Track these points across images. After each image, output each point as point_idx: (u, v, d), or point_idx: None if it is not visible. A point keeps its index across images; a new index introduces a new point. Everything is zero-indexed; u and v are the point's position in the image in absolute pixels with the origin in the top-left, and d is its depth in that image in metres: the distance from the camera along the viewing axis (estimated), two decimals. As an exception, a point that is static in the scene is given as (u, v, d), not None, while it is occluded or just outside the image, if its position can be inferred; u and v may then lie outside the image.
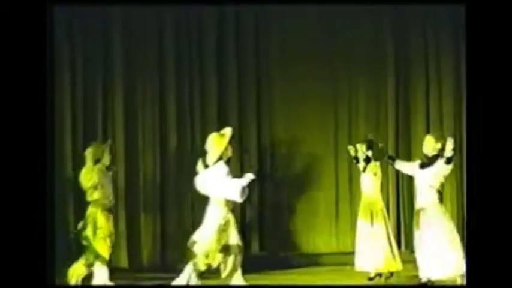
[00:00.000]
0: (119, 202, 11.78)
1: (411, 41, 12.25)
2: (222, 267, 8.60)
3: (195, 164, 11.53)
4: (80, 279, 9.69)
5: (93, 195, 9.68)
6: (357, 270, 10.11)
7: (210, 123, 12.03)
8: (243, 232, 9.94)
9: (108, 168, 9.83)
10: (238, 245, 8.60)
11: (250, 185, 8.60)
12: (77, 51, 11.62)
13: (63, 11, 10.27)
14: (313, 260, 11.98)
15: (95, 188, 9.63)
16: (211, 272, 8.76)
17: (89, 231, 9.68)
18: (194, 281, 8.55)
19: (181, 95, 12.20)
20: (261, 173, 11.64)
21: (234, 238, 8.61)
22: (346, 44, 12.38)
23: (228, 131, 8.70)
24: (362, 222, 10.11)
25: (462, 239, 8.27)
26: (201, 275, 8.56)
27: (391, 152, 11.52)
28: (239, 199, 8.56)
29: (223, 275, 8.68)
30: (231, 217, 8.64)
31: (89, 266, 9.72)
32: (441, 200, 9.04)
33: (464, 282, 8.52)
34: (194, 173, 11.92)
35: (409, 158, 11.21)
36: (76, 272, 9.65)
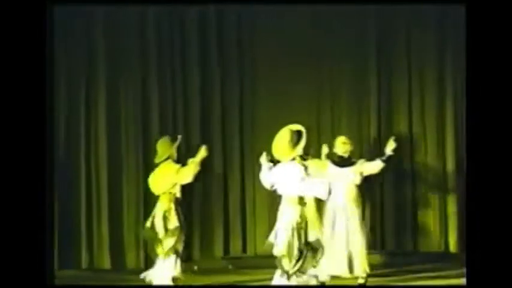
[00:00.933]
0: (102, 203, 11.76)
1: (394, 41, 12.25)
2: (305, 265, 8.51)
3: (178, 163, 11.45)
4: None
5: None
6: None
7: (193, 123, 12.01)
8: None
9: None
10: (318, 242, 8.58)
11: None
12: (60, 50, 11.47)
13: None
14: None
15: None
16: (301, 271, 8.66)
17: (161, 225, 9.75)
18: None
19: (164, 95, 12.06)
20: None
21: (313, 236, 8.57)
22: (330, 43, 12.34)
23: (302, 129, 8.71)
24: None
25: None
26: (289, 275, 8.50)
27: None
28: (325, 197, 8.63)
29: (306, 272, 8.62)
30: (308, 214, 8.58)
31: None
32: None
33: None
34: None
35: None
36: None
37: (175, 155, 10.13)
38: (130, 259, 11.77)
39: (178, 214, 9.84)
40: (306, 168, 8.52)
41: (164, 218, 9.80)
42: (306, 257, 8.44)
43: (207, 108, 12.20)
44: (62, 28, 11.32)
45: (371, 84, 12.20)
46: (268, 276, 8.83)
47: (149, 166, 11.58)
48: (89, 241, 11.67)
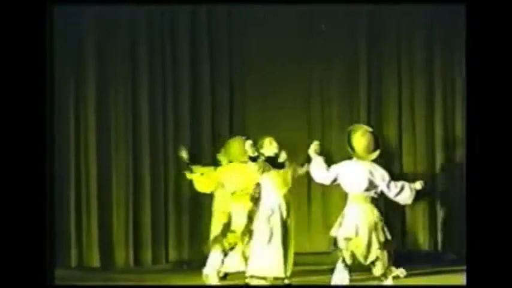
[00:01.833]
0: (91, 201, 11.67)
1: (385, 42, 12.25)
2: (376, 263, 8.80)
3: (167, 162, 11.33)
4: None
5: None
6: None
7: (183, 123, 11.92)
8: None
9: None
10: (387, 241, 8.79)
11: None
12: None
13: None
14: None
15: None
16: (364, 268, 8.92)
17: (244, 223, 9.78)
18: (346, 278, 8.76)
19: (154, 95, 11.97)
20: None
21: (381, 235, 8.79)
22: (320, 44, 12.31)
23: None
24: None
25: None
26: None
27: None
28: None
29: (377, 272, 8.85)
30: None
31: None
32: None
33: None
34: (167, 172, 11.77)
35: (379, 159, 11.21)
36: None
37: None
38: (120, 257, 11.67)
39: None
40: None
41: (249, 217, 9.79)
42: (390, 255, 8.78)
43: (197, 109, 12.12)
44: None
45: (361, 81, 12.22)
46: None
47: (139, 164, 11.56)
48: (78, 239, 11.57)
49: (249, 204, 9.82)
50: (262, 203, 9.42)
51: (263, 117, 12.03)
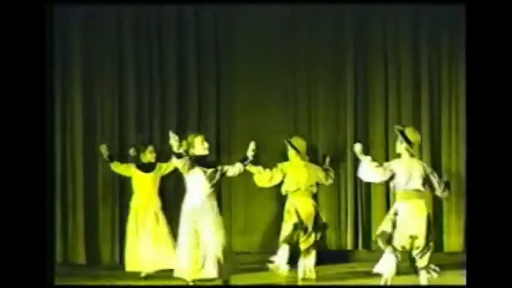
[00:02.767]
0: (77, 197, 11.64)
1: (371, 41, 12.23)
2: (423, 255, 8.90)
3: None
4: None
5: None
6: None
7: (169, 122, 11.83)
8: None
9: None
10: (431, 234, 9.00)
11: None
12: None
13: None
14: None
15: None
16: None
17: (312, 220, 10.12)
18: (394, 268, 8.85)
19: (141, 93, 12.01)
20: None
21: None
22: (307, 43, 12.28)
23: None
24: None
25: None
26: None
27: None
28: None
29: (421, 264, 8.90)
30: None
31: None
32: None
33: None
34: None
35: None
36: None
37: None
38: (105, 253, 11.65)
39: None
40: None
41: (317, 213, 10.11)
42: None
43: (184, 108, 12.10)
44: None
45: (347, 80, 12.21)
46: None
47: (124, 160, 11.47)
48: (63, 235, 11.53)
49: (313, 202, 10.10)
50: (187, 202, 9.22)
51: (249, 118, 12.07)
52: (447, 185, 9.19)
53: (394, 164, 9.09)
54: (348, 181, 11.98)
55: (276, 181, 10.16)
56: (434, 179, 9.08)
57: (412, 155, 9.07)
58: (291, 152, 10.19)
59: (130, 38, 11.93)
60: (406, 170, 8.96)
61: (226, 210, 11.48)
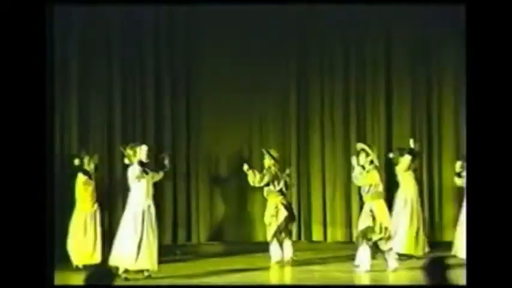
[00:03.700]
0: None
1: (313, 58, 13.09)
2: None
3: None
4: None
5: None
6: None
7: (149, 126, 12.76)
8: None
9: None
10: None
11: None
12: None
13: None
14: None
15: None
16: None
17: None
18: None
19: (129, 93, 12.64)
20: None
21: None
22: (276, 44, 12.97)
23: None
24: None
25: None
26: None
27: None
28: None
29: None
30: None
31: None
32: None
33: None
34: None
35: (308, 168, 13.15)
36: None
37: None
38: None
39: None
40: None
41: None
42: None
43: (159, 114, 12.87)
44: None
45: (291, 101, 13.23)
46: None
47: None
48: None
49: (383, 203, 10.75)
50: (135, 204, 10.21)
51: (218, 121, 13.00)
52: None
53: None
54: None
55: (265, 182, 11.45)
56: None
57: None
58: (269, 161, 11.47)
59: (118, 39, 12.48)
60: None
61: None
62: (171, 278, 10.37)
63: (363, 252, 10.49)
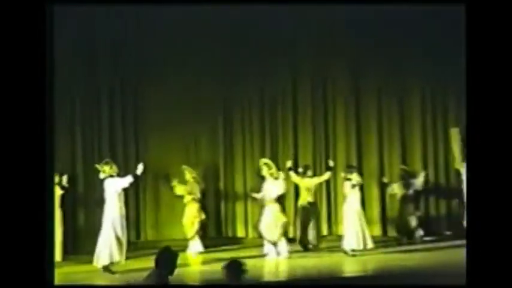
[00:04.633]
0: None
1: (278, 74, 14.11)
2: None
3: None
4: None
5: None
6: None
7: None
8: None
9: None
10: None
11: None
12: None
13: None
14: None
15: None
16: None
17: None
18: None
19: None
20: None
21: None
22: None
23: None
24: None
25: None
26: None
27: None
28: None
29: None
30: None
31: None
32: None
33: None
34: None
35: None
36: None
37: None
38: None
39: None
40: None
41: None
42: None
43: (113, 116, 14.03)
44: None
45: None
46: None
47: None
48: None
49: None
50: (113, 208, 11.67)
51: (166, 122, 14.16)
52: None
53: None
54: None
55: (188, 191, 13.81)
56: None
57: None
58: (189, 175, 13.68)
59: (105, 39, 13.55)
60: None
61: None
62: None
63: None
